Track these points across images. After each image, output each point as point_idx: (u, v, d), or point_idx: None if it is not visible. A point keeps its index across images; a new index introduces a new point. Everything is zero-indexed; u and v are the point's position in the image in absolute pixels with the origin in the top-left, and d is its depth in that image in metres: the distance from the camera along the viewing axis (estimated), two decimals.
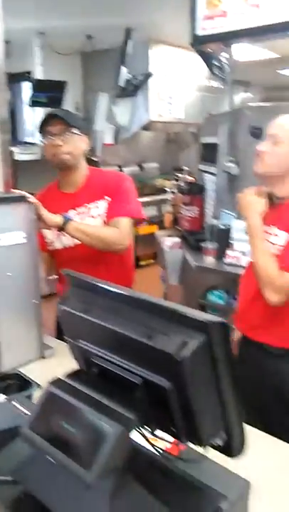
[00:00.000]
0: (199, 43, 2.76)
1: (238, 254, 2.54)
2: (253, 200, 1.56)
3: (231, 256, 2.58)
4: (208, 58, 3.31)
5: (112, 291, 0.82)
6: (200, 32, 2.68)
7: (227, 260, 2.60)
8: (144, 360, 0.75)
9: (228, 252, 2.62)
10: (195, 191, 3.32)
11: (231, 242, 2.68)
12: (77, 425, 0.75)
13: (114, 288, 0.82)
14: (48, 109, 1.89)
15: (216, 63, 3.15)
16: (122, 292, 0.80)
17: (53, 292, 1.89)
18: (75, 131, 1.74)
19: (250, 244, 1.53)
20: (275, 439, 1.20)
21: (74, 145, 1.74)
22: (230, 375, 0.73)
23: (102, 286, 0.83)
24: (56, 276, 1.92)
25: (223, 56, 3.23)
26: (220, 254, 2.66)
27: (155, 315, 0.74)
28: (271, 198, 1.56)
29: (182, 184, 3.62)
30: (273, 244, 1.48)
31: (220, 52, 3.24)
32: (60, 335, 1.76)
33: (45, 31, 4.40)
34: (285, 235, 1.46)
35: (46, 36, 4.43)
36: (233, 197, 2.99)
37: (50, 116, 1.75)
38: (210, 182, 3.27)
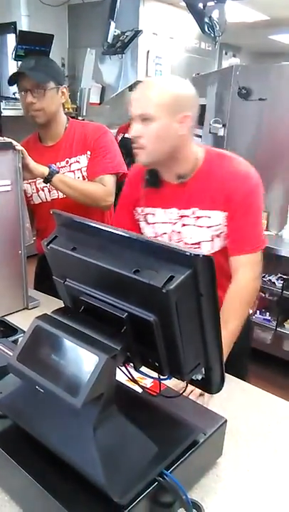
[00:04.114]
0: None
1: None
2: None
3: None
4: (199, 16, 3.24)
5: (100, 230, 0.83)
6: None
7: None
8: (131, 295, 0.77)
9: None
10: None
11: None
12: (64, 355, 0.77)
13: (103, 226, 0.83)
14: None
15: (208, 21, 3.08)
16: (110, 230, 0.81)
17: (31, 254, 1.87)
18: (49, 85, 1.68)
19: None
20: (249, 384, 1.26)
21: (47, 101, 1.69)
22: (213, 311, 0.77)
23: (91, 224, 0.84)
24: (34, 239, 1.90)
25: (215, 14, 3.17)
26: None
27: (143, 252, 0.76)
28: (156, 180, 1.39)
29: None
30: (208, 226, 1.34)
31: (212, 10, 3.17)
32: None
33: None
34: (218, 214, 1.33)
35: None
36: None
37: (19, 73, 1.67)
38: None
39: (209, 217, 1.34)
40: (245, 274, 1.32)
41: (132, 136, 1.27)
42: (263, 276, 2.84)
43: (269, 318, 2.92)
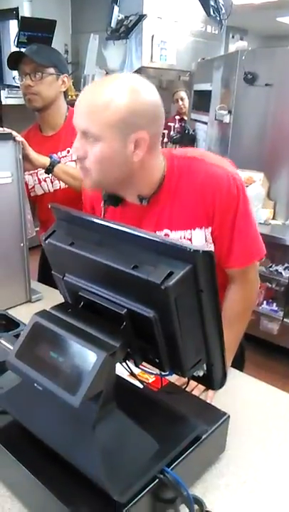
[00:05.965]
0: None
1: None
2: None
3: None
4: None
5: (99, 224, 0.81)
6: None
7: None
8: (130, 291, 0.76)
9: None
10: (186, 141, 3.27)
11: None
12: (63, 353, 0.76)
13: (102, 221, 0.81)
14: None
15: (213, 4, 3.00)
16: (109, 225, 0.79)
17: (34, 245, 1.85)
18: (49, 70, 1.68)
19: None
20: (252, 378, 1.24)
21: (44, 86, 1.68)
22: (214, 307, 0.75)
23: (90, 218, 0.83)
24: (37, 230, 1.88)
25: None
26: None
27: (142, 247, 0.74)
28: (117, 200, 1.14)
29: (173, 134, 3.55)
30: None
31: None
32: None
33: None
34: (199, 232, 1.12)
35: None
36: (225, 146, 2.95)
37: (19, 54, 1.67)
38: (201, 131, 3.21)
39: (188, 238, 1.12)
40: (243, 284, 1.20)
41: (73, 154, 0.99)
42: (270, 267, 2.81)
43: (276, 308, 2.90)
